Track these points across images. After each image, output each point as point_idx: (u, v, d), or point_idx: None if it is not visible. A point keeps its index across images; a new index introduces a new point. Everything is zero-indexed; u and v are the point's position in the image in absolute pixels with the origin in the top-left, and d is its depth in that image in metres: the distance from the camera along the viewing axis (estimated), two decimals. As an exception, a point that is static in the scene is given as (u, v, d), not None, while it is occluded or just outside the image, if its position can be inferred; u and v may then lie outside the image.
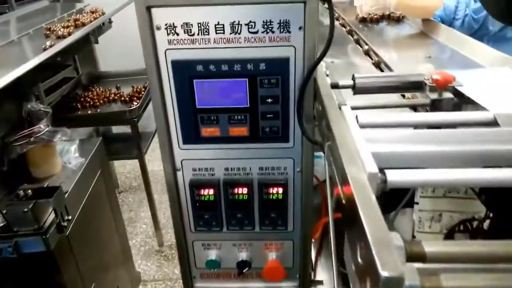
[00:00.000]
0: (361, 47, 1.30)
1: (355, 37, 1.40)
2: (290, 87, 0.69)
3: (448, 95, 0.61)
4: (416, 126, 0.53)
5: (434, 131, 0.47)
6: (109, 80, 2.64)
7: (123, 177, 3.20)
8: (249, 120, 0.73)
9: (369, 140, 0.44)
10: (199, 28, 0.65)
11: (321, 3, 0.63)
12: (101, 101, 2.22)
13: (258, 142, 0.75)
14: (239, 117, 0.72)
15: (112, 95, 2.28)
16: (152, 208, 2.40)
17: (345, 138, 0.46)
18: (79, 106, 2.17)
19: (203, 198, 0.80)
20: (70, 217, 1.33)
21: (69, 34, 1.78)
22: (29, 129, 1.49)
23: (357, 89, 0.69)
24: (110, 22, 2.57)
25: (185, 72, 0.69)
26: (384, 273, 0.27)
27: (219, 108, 0.72)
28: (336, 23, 1.65)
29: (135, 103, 2.15)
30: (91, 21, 2.04)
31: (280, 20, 0.64)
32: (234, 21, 0.65)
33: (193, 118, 0.73)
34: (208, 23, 0.65)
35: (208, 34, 0.66)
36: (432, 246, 0.32)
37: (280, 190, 0.79)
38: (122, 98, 2.27)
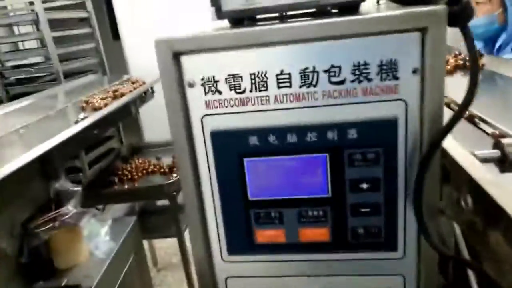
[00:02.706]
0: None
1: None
2: (399, 164, 0.43)
3: None
4: None
5: None
6: (150, 150, 2.54)
7: (163, 252, 2.96)
8: (331, 217, 0.46)
9: None
10: (252, 81, 0.43)
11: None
12: (139, 174, 2.07)
13: (345, 251, 0.47)
14: (315, 213, 0.46)
15: (152, 167, 2.14)
16: (192, 294, 2.11)
17: None
18: (116, 180, 2.03)
19: (260, 336, 0.51)
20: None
21: (106, 105, 1.68)
22: (54, 212, 1.32)
23: (509, 163, 0.42)
24: (152, 92, 2.53)
25: (232, 147, 0.46)
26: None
27: (284, 200, 0.46)
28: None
29: (174, 175, 1.98)
30: (130, 91, 1.96)
31: (381, 61, 0.40)
32: (307, 68, 0.41)
33: (244, 216, 0.48)
34: (265, 73, 0.42)
35: (266, 90, 0.43)
36: None
37: (383, 325, 0.49)
38: (162, 170, 2.12)
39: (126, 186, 2.01)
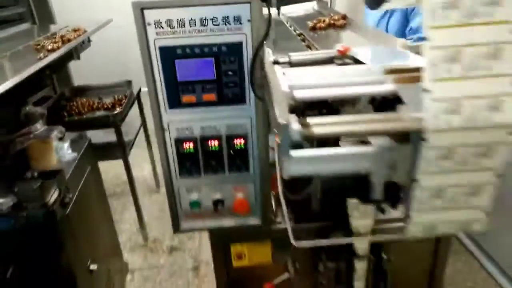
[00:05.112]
0: (304, 42, 1.64)
1: (301, 37, 1.74)
2: (244, 63, 0.99)
3: (348, 60, 0.93)
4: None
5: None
6: (90, 92, 2.87)
7: (106, 183, 3.37)
8: (216, 88, 1.02)
9: (287, 79, 0.74)
10: (178, 23, 0.95)
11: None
12: (86, 109, 2.45)
13: (224, 105, 1.04)
14: (209, 86, 1.01)
15: (96, 104, 2.51)
16: (136, 204, 2.62)
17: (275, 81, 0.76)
18: (65, 114, 2.39)
19: (185, 151, 1.07)
20: (71, 195, 1.56)
21: (58, 48, 2.01)
22: (28, 128, 1.71)
23: (292, 63, 1.00)
24: (89, 41, 2.81)
25: (169, 54, 0.98)
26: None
27: (195, 81, 1.01)
28: (291, 29, 1.98)
29: (117, 109, 2.40)
30: (75, 38, 2.27)
31: (234, 16, 0.94)
32: (203, 17, 0.94)
33: (176, 89, 1.01)
34: (184, 19, 0.94)
35: (184, 27, 0.95)
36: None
37: (242, 141, 1.07)
38: (105, 106, 2.50)
39: (76, 118, 2.38)
